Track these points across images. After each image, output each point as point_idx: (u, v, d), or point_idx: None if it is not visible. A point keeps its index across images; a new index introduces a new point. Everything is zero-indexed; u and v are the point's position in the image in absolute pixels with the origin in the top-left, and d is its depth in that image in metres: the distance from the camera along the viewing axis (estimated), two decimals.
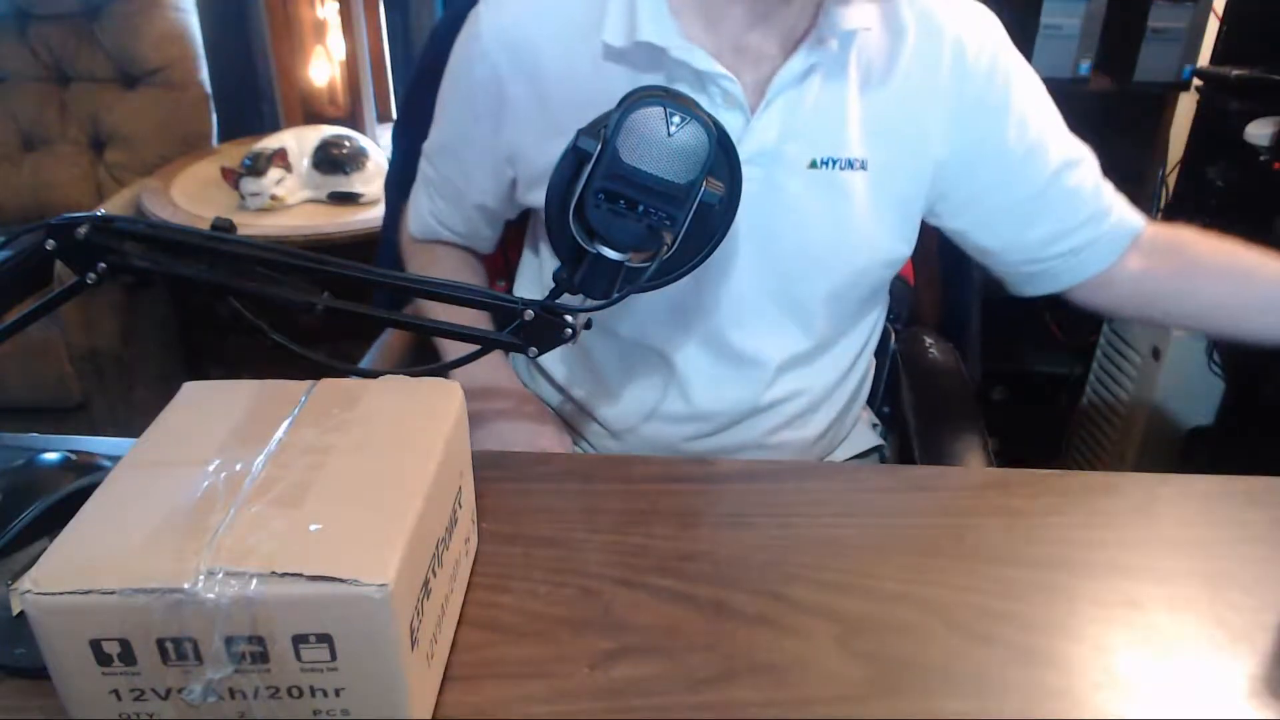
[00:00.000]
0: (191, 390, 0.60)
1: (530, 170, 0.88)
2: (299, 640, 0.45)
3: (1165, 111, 1.87)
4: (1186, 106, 1.87)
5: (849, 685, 0.56)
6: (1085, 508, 0.71)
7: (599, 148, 0.60)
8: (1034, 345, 2.03)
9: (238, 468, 0.51)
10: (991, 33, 0.85)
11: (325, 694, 0.46)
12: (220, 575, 0.44)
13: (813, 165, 0.82)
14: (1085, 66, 1.76)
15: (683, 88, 0.79)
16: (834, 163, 0.82)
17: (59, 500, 0.67)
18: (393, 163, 1.20)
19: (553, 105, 0.83)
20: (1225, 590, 0.63)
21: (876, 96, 0.82)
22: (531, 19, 0.83)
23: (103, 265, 0.62)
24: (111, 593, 0.43)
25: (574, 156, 0.62)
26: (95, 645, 0.45)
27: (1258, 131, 1.66)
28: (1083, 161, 0.88)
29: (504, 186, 0.92)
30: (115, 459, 0.72)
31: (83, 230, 0.61)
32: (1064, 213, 0.88)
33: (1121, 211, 0.89)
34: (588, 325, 0.67)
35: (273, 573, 0.44)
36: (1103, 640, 0.59)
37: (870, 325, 0.97)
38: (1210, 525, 0.70)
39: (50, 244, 0.61)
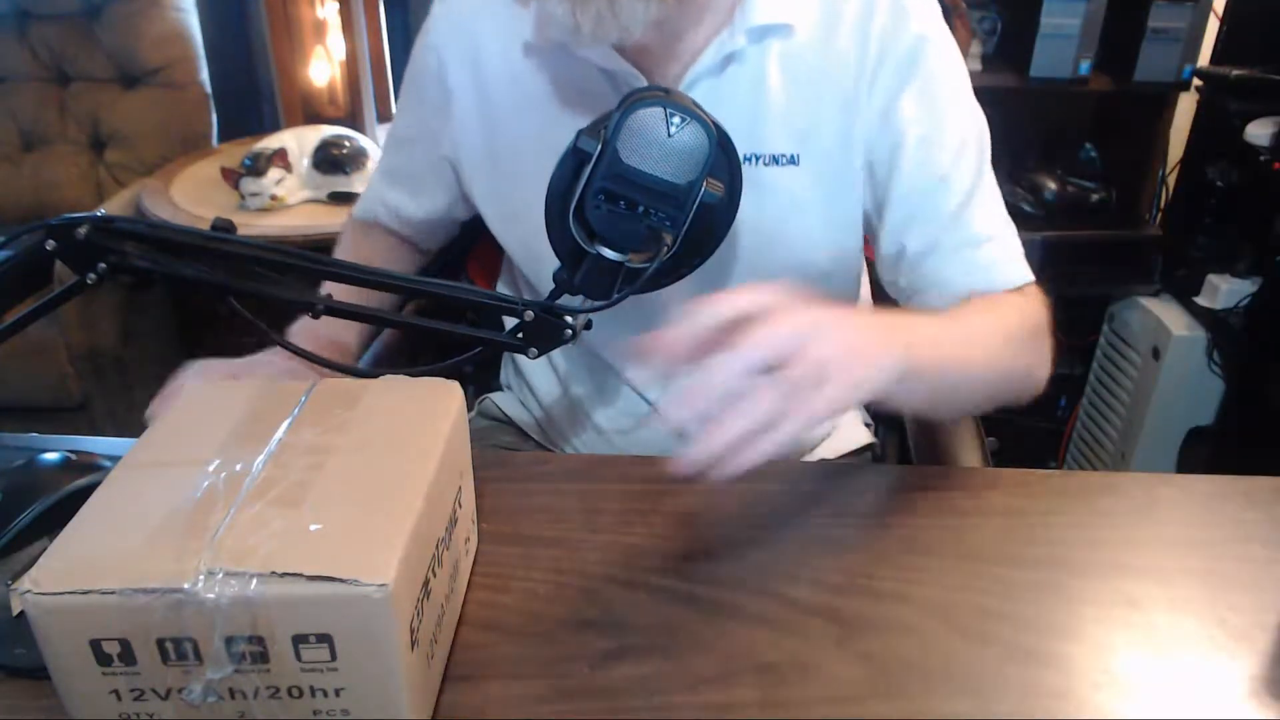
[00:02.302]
0: (192, 390, 0.60)
1: (473, 167, 0.90)
2: (299, 640, 0.45)
3: (1165, 111, 1.87)
4: (1186, 106, 1.86)
5: (849, 685, 0.56)
6: (1085, 508, 0.71)
7: (599, 148, 0.60)
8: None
9: (238, 468, 0.51)
10: (919, 28, 0.78)
11: (325, 694, 0.46)
12: (220, 575, 0.44)
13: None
14: (1085, 66, 1.76)
15: (603, 84, 0.80)
16: (757, 158, 0.80)
17: (59, 500, 0.67)
18: None
19: (489, 97, 0.86)
20: (1225, 590, 0.63)
21: (807, 89, 0.79)
22: (474, 13, 0.86)
23: (103, 265, 0.62)
24: (111, 593, 0.43)
25: (574, 157, 0.62)
26: (95, 645, 0.44)
27: (1258, 131, 1.67)
28: (981, 208, 0.80)
29: (452, 185, 0.94)
30: (115, 459, 0.72)
31: (83, 230, 0.61)
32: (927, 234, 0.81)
33: (967, 275, 0.80)
34: (588, 326, 0.67)
35: (273, 573, 0.44)
36: (1103, 640, 0.59)
37: None
38: (1210, 525, 0.70)
39: (50, 244, 0.61)
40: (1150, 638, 0.60)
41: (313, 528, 0.47)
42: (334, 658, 0.45)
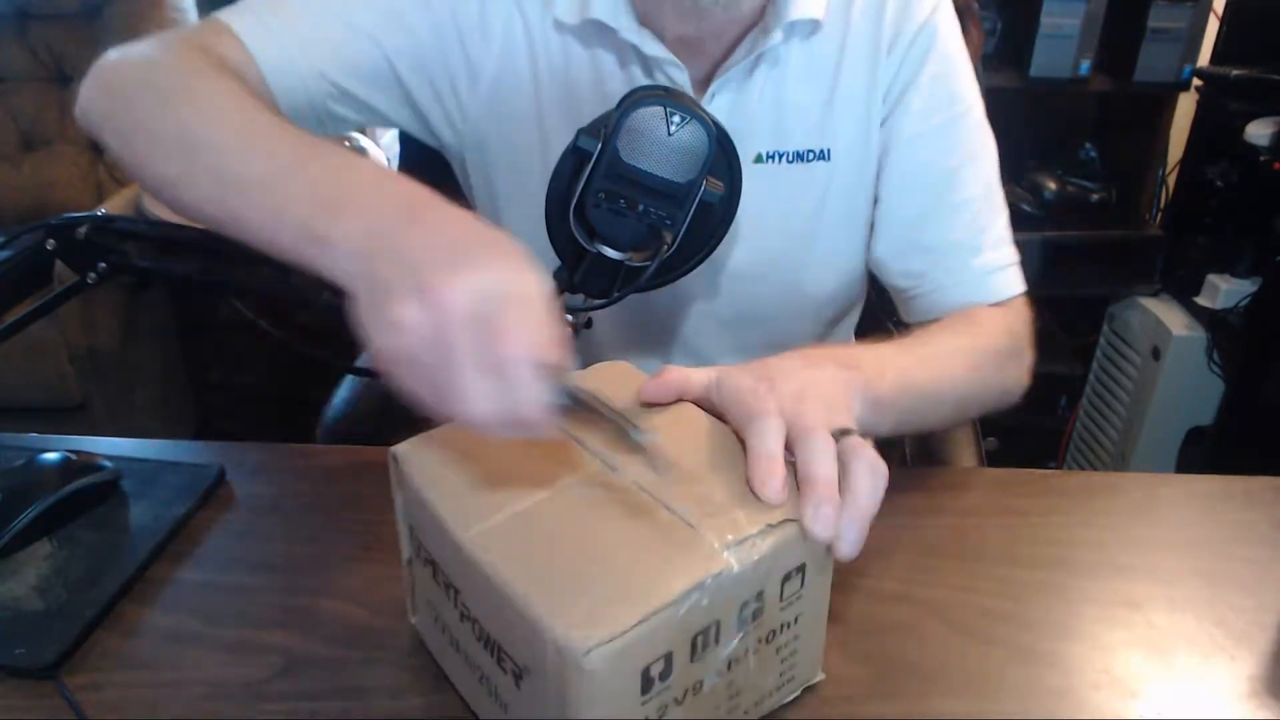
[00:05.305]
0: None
1: (482, 117, 0.81)
2: (785, 579, 0.48)
3: (1165, 111, 1.87)
4: (1186, 106, 1.86)
5: (849, 685, 0.56)
6: (1085, 508, 0.71)
7: (599, 147, 0.61)
8: (1034, 345, 2.03)
9: (613, 472, 0.51)
10: (926, 15, 0.78)
11: (788, 626, 0.50)
12: (735, 544, 0.46)
13: (758, 160, 0.79)
14: (1085, 66, 1.76)
15: (635, 70, 0.77)
16: (780, 156, 0.79)
17: (59, 500, 0.67)
18: (399, 163, 1.20)
19: (502, 69, 0.79)
20: (1225, 590, 0.63)
21: (829, 83, 0.78)
22: None
23: (103, 265, 0.62)
24: (658, 611, 0.42)
25: (574, 156, 0.62)
26: (644, 673, 0.43)
27: (1258, 131, 1.67)
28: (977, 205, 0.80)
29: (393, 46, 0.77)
30: (115, 459, 0.72)
31: (83, 230, 0.61)
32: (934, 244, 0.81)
33: (973, 281, 0.80)
34: (588, 324, 0.67)
35: (767, 525, 0.47)
36: (1103, 640, 0.59)
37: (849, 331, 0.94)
38: (1210, 525, 0.70)
39: (51, 244, 0.61)
40: (1150, 638, 0.60)
41: (731, 489, 0.49)
42: (803, 585, 0.49)
